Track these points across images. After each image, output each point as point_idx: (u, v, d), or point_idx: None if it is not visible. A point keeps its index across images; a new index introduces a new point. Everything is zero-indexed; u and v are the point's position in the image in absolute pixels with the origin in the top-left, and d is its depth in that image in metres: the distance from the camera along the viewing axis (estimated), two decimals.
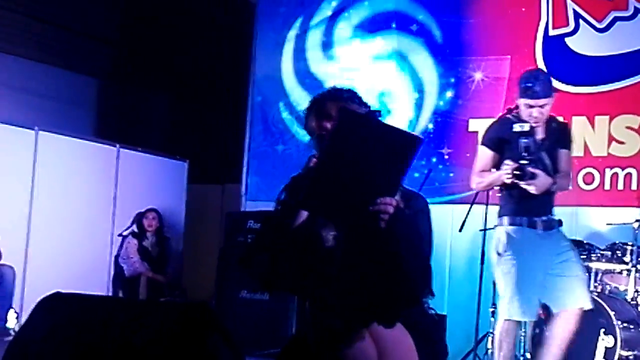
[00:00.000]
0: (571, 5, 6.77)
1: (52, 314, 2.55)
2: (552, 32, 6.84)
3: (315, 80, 7.77)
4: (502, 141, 4.69)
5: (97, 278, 8.06)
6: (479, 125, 6.94)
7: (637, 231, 5.43)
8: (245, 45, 8.44)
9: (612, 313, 5.12)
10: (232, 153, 8.73)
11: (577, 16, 6.75)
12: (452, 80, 7.22)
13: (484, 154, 4.79)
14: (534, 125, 4.60)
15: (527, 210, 4.66)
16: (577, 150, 5.93)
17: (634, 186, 6.40)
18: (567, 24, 6.79)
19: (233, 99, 9.24)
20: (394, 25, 7.52)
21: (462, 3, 7.26)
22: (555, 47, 6.80)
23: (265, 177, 7.96)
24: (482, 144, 4.85)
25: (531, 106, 4.60)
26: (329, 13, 7.83)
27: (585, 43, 6.72)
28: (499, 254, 4.69)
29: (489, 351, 5.74)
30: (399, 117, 7.21)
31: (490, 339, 5.75)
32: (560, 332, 4.59)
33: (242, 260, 2.95)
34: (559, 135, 4.78)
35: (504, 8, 7.06)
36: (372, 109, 2.96)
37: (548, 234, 4.68)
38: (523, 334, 5.45)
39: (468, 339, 5.91)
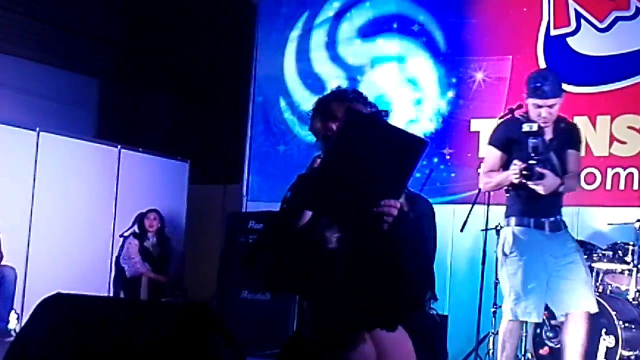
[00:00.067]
0: (572, 5, 6.77)
1: (53, 314, 2.55)
2: (553, 32, 6.83)
3: (318, 80, 7.77)
4: (510, 141, 4.68)
5: (98, 279, 8.06)
6: (481, 126, 6.95)
7: (638, 231, 5.44)
8: (246, 45, 8.44)
9: (613, 313, 5.11)
10: (234, 153, 8.73)
11: (578, 16, 6.75)
12: (454, 80, 7.21)
13: (492, 154, 4.78)
14: (542, 125, 4.59)
15: (535, 211, 4.64)
16: None
17: (635, 186, 6.40)
18: (569, 24, 6.78)
19: (234, 100, 9.23)
20: (395, 26, 7.52)
21: (464, 3, 7.26)
22: (556, 47, 6.79)
23: (267, 178, 7.96)
24: (490, 144, 4.83)
25: (540, 106, 4.59)
26: (331, 14, 7.83)
27: (587, 43, 6.72)
28: (505, 254, 4.68)
29: (490, 351, 5.74)
30: (401, 117, 7.21)
31: (491, 339, 5.75)
32: (574, 338, 4.58)
33: (244, 260, 2.95)
34: (567, 135, 4.76)
35: (506, 8, 7.06)
36: (377, 109, 2.95)
37: (555, 235, 4.66)
38: (524, 334, 5.45)
39: (469, 339, 5.90)
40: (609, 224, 6.21)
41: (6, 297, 6.98)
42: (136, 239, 8.14)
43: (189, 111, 10.74)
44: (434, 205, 3.05)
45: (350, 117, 2.60)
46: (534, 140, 4.51)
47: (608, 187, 6.46)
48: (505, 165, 4.68)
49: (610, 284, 5.60)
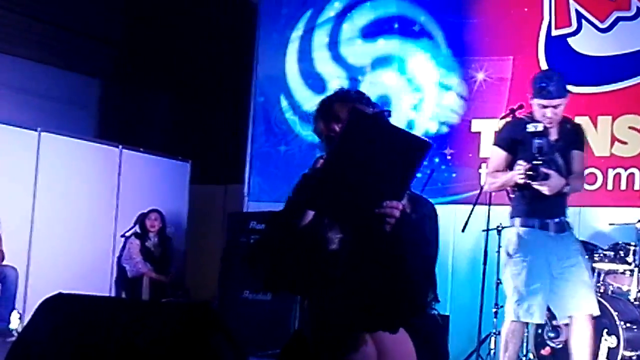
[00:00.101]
0: (574, 6, 6.77)
1: (54, 314, 2.55)
2: (554, 33, 6.83)
3: (319, 80, 7.78)
4: (515, 142, 4.67)
5: (100, 279, 8.06)
6: (482, 126, 6.96)
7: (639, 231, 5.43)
8: (247, 45, 8.44)
9: (614, 313, 5.11)
10: (235, 153, 8.73)
11: (579, 16, 6.74)
12: (455, 80, 7.21)
13: (497, 155, 4.78)
14: (547, 125, 4.58)
15: (540, 211, 4.64)
16: None
17: (636, 186, 6.40)
18: (570, 24, 6.78)
19: (235, 100, 9.24)
20: (396, 26, 7.52)
21: (465, 3, 7.26)
22: (557, 47, 6.79)
23: (268, 178, 7.96)
24: (495, 144, 4.83)
25: (545, 106, 4.59)
26: (332, 14, 7.83)
27: (588, 43, 6.71)
28: (509, 254, 4.67)
29: (492, 351, 5.74)
30: (402, 117, 7.21)
31: (493, 339, 5.75)
32: (580, 341, 4.58)
33: (246, 259, 2.94)
34: (572, 136, 4.76)
35: (507, 8, 7.06)
36: (381, 109, 2.95)
37: (560, 237, 4.66)
38: (526, 334, 5.45)
39: (471, 339, 5.91)
40: (610, 224, 6.20)
41: (8, 297, 6.99)
42: (138, 239, 8.15)
43: (190, 111, 10.75)
44: (435, 206, 3.04)
45: (354, 117, 2.59)
46: (538, 141, 4.50)
47: (609, 187, 6.46)
48: (510, 166, 4.68)
49: (612, 285, 5.60)
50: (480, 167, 6.85)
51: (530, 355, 5.49)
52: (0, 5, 8.70)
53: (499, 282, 5.79)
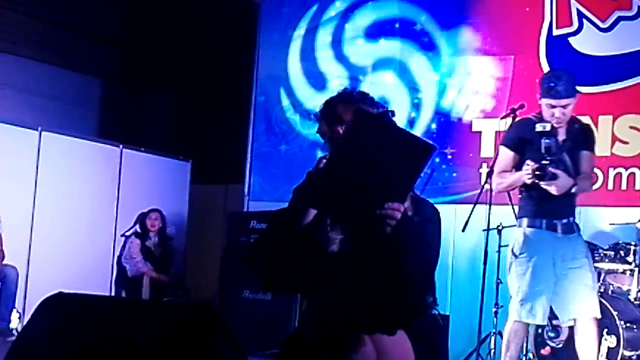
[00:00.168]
0: (575, 5, 6.76)
1: (54, 314, 2.55)
2: (555, 32, 6.83)
3: (320, 80, 7.78)
4: (523, 141, 4.66)
5: (100, 278, 8.06)
6: (482, 125, 6.96)
7: None
8: (248, 45, 8.44)
9: (615, 313, 5.11)
10: (235, 153, 8.73)
11: (580, 16, 6.74)
12: (456, 80, 7.21)
13: (505, 155, 4.76)
14: (556, 125, 4.57)
15: (547, 212, 4.62)
16: None
17: (637, 186, 6.40)
18: (571, 24, 6.77)
19: (236, 99, 9.24)
20: (397, 26, 7.51)
21: (466, 3, 7.25)
22: (558, 46, 6.79)
23: (268, 178, 7.97)
24: (503, 144, 4.81)
25: (553, 106, 4.57)
26: (333, 13, 7.83)
27: (589, 43, 6.71)
28: (514, 254, 4.66)
29: (492, 351, 5.74)
30: (402, 117, 7.21)
31: (493, 339, 5.75)
32: (586, 344, 4.59)
33: (246, 259, 2.94)
34: (581, 136, 4.74)
35: (508, 8, 7.05)
36: (385, 109, 2.94)
37: (567, 238, 4.64)
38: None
39: (471, 339, 5.90)
40: (610, 224, 6.20)
41: (8, 296, 7.00)
42: (138, 238, 8.15)
43: (190, 111, 10.75)
44: (435, 205, 3.03)
45: (358, 117, 2.59)
46: (547, 141, 4.49)
47: (610, 187, 6.46)
48: (518, 166, 4.66)
49: (612, 284, 5.59)
50: (480, 167, 6.85)
51: (530, 355, 5.49)
52: (1, 4, 8.71)
53: (499, 282, 5.79)
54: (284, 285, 2.93)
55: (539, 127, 4.53)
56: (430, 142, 2.62)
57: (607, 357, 5.08)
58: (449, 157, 7.09)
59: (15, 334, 6.43)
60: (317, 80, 7.80)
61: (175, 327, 2.41)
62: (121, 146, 8.63)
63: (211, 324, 2.40)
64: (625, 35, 6.59)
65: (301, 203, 2.78)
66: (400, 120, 7.04)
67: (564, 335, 5.27)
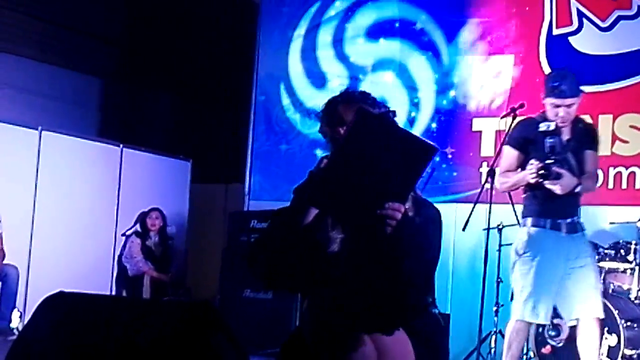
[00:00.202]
0: (575, 5, 6.76)
1: (55, 313, 2.55)
2: (555, 31, 6.83)
3: (320, 79, 7.78)
4: (527, 141, 4.65)
5: (101, 277, 8.06)
6: (483, 125, 6.96)
7: None
8: (248, 44, 8.44)
9: (615, 312, 5.11)
10: (235, 152, 8.74)
11: (580, 15, 6.74)
12: (456, 79, 7.21)
13: (509, 154, 4.76)
14: (560, 125, 4.56)
15: (552, 211, 4.61)
16: None
17: (637, 185, 6.40)
18: (571, 23, 6.77)
19: (236, 99, 9.24)
20: (397, 25, 7.51)
21: (466, 3, 7.25)
22: (558, 46, 6.78)
23: (269, 177, 7.97)
24: (507, 143, 4.80)
25: (558, 106, 4.56)
26: (333, 13, 7.82)
27: (589, 42, 6.71)
28: (518, 254, 4.66)
29: (492, 350, 5.74)
30: (403, 116, 7.20)
31: (493, 338, 5.75)
32: (588, 344, 4.58)
33: (247, 258, 2.95)
34: (585, 136, 4.73)
35: (508, 7, 7.05)
36: (387, 109, 2.94)
37: (571, 238, 4.63)
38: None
39: (471, 338, 5.90)
40: (611, 223, 6.19)
41: (9, 295, 7.00)
42: (138, 237, 8.14)
43: (191, 110, 10.75)
44: (436, 205, 3.03)
45: (360, 116, 2.58)
46: (551, 140, 4.48)
47: (610, 186, 6.45)
48: (522, 165, 4.66)
49: (613, 283, 5.59)
50: (480, 166, 6.85)
51: (531, 354, 5.49)
52: (1, 4, 8.71)
53: (499, 281, 5.79)
54: (284, 284, 2.94)
55: (543, 127, 4.52)
56: (432, 143, 2.62)
57: (608, 356, 5.09)
58: (449, 156, 7.09)
59: (16, 333, 6.43)
60: (317, 79, 7.80)
61: (176, 327, 2.41)
62: (121, 146, 8.63)
63: (212, 323, 2.41)
64: (625, 35, 6.59)
65: (302, 202, 2.78)
66: (401, 120, 7.05)
67: (564, 334, 5.27)
